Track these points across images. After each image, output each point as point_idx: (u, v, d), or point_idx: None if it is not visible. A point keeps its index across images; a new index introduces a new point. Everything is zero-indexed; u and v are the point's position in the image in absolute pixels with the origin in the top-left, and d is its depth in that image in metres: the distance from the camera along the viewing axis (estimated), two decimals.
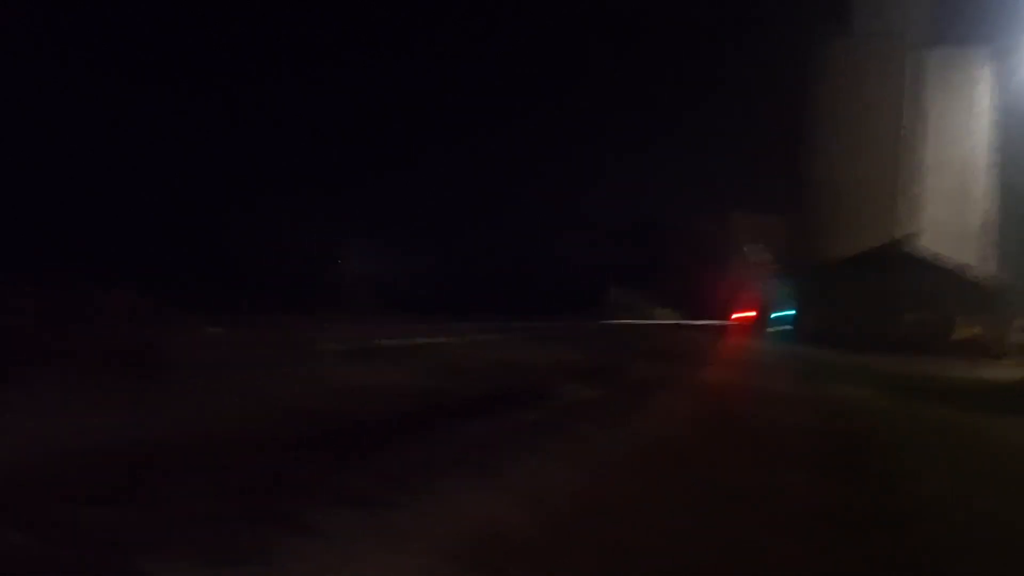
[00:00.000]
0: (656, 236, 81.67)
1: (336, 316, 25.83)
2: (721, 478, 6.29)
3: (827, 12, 53.37)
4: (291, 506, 4.72)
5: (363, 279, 38.19)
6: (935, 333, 33.09)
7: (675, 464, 6.84)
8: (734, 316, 57.63)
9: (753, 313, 48.09)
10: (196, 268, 26.01)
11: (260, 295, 25.95)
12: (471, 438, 7.22)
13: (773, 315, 44.34)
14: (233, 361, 11.98)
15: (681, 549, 4.46)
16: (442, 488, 5.32)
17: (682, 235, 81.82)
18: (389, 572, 3.90)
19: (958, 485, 6.52)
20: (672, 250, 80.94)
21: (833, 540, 4.76)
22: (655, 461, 6.91)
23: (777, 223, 59.20)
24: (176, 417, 7.36)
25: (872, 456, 7.91)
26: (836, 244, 43.09)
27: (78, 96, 27.58)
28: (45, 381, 8.44)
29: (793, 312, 39.26)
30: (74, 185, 27.45)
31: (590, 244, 72.32)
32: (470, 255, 56.47)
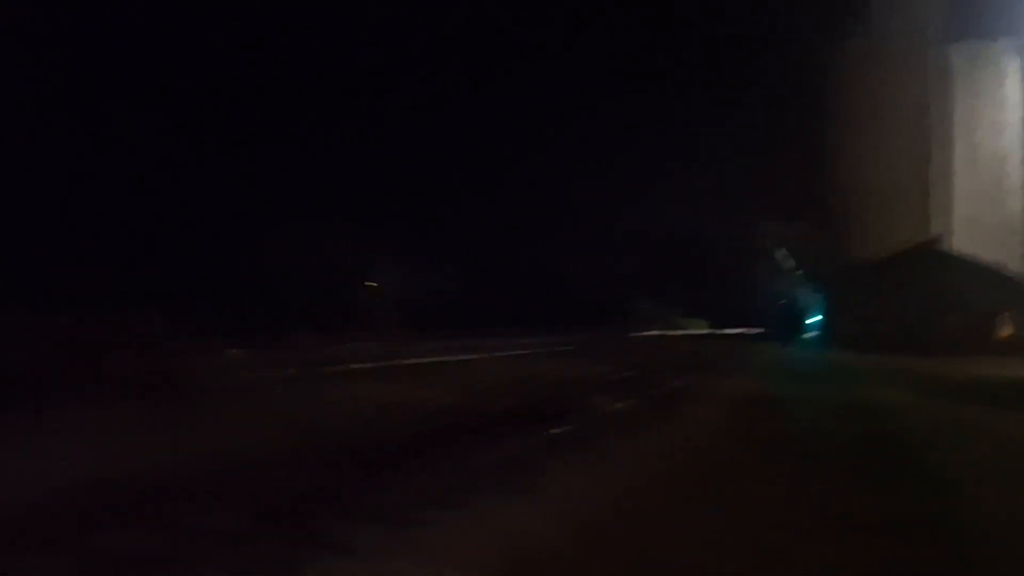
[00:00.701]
0: (684, 246, 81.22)
1: (363, 334, 25.90)
2: (758, 493, 6.06)
3: (846, 15, 52.89)
4: (324, 525, 4.66)
5: (390, 297, 38.29)
6: (974, 333, 32.26)
7: (710, 479, 6.62)
8: (767, 324, 56.94)
9: (786, 320, 47.41)
10: (221, 289, 26.24)
11: (288, 315, 26.08)
12: (501, 454, 7.06)
13: (804, 321, 43.71)
14: (262, 382, 11.97)
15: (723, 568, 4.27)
16: (474, 505, 5.19)
17: (710, 244, 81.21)
18: None
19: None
20: (700, 259, 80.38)
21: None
22: (688, 476, 6.70)
23: (806, 229, 58.51)
24: (209, 440, 7.32)
25: (936, 468, 7.53)
26: (867, 247, 42.41)
27: (107, 125, 28.03)
28: (81, 407, 8.49)
29: (823, 318, 38.59)
30: (98, 212, 27.84)
31: (619, 256, 71.99)
32: (497, 270, 56.46)
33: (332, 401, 10.53)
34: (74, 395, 9.09)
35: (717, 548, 4.51)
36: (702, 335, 57.03)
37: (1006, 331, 32.61)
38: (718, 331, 66.09)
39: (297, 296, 29.69)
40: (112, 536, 4.44)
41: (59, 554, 4.14)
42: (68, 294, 17.39)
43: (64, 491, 5.36)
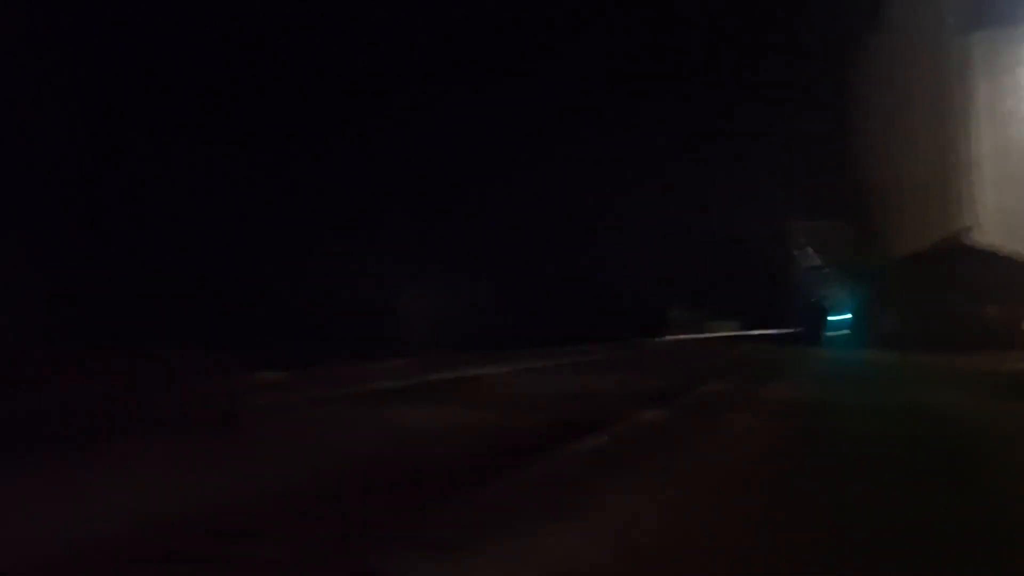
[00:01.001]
0: (715, 247, 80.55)
1: (393, 353, 25.97)
2: (802, 501, 6.00)
3: (865, 8, 52.40)
4: (368, 555, 4.68)
5: (418, 313, 38.38)
6: (1009, 326, 31.70)
7: (752, 490, 6.56)
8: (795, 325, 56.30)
9: (815, 322, 46.86)
10: (251, 315, 26.39)
11: (321, 336, 26.14)
12: (538, 473, 7.06)
13: (837, 320, 43.18)
14: (298, 409, 12.05)
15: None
16: (516, 528, 5.18)
17: (740, 245, 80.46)
18: None
19: None
20: (730, 261, 79.64)
21: None
22: (729, 488, 6.64)
23: (834, 228, 57.83)
24: (254, 473, 7.37)
25: (966, 463, 7.44)
26: (897, 243, 41.83)
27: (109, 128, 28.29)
28: (136, 445, 8.59)
29: (855, 316, 38.10)
30: (125, 239, 28.15)
31: (648, 259, 71.52)
32: (523, 282, 56.40)
33: (367, 423, 10.60)
34: (123, 433, 9.18)
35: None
36: (733, 337, 56.53)
37: None
38: (750, 333, 65.43)
39: (328, 315, 29.79)
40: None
41: None
42: (95, 322, 17.63)
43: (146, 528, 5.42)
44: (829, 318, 43.89)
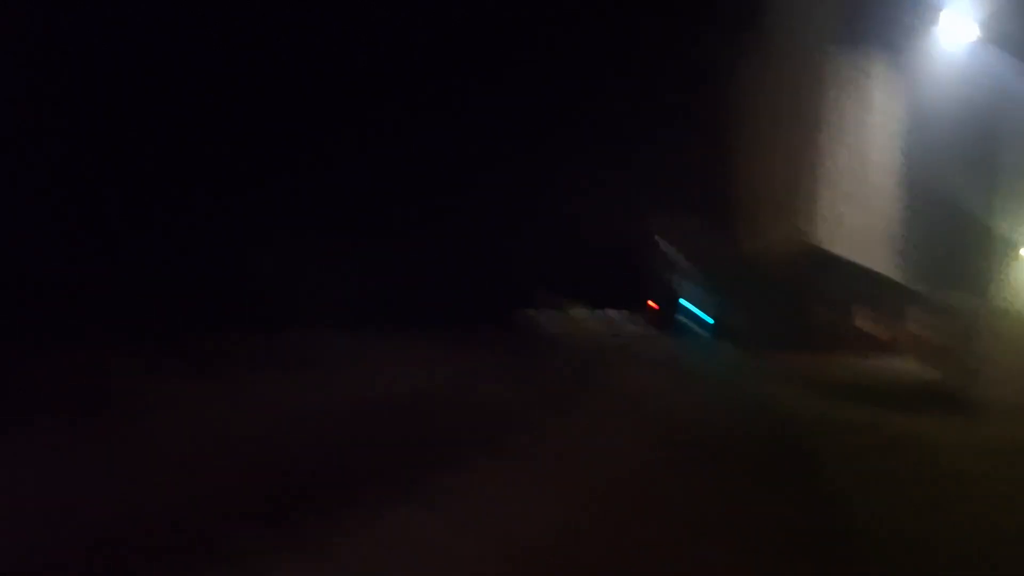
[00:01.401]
0: (575, 238, 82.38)
1: (250, 327, 24.73)
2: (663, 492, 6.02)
3: (735, 13, 54.92)
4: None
5: (266, 287, 36.69)
6: (846, 329, 34.25)
7: (608, 480, 6.54)
8: (653, 315, 58.58)
9: (669, 312, 48.85)
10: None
11: (204, 310, 24.59)
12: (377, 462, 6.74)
13: (690, 315, 45.11)
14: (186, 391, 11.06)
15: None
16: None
17: (607, 237, 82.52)
18: None
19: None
20: (590, 252, 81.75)
21: None
22: (588, 476, 6.60)
23: (697, 225, 60.54)
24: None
25: (798, 460, 7.83)
26: (751, 244, 44.19)
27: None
28: None
29: (706, 313, 39.96)
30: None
31: (517, 247, 72.05)
32: (386, 259, 55.25)
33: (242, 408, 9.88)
34: None
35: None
36: (595, 325, 58.04)
37: (874, 326, 34.79)
38: (611, 321, 67.30)
39: (208, 287, 27.93)
40: None
41: None
42: None
43: None
44: (686, 313, 45.79)
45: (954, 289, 33.71)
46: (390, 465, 6.28)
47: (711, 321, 38.64)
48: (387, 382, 11.98)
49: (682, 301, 50.26)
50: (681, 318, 45.59)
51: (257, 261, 34.86)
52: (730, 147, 51.39)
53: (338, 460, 6.40)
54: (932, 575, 4.45)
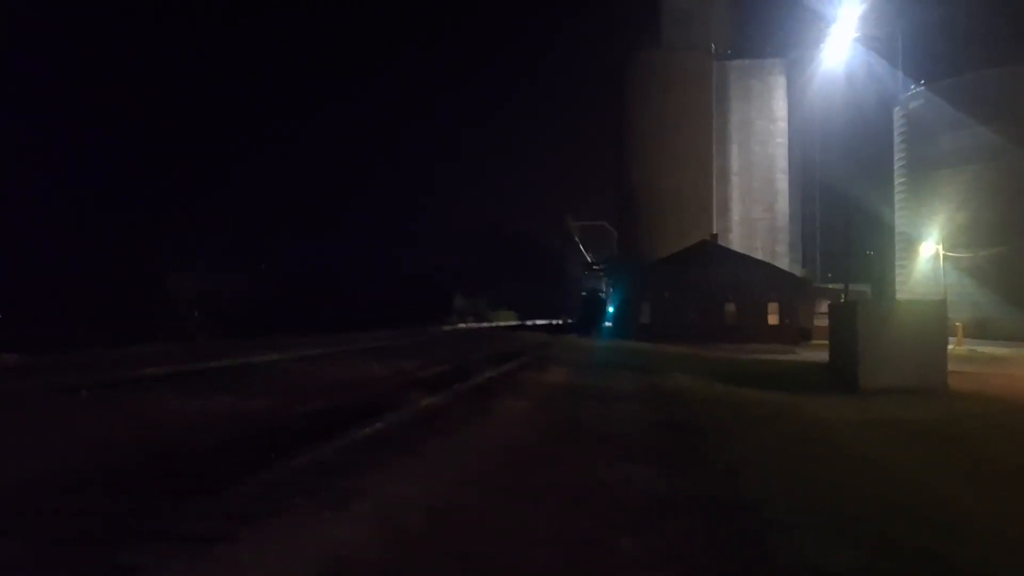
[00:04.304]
0: (495, 240, 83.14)
1: (159, 338, 24.19)
2: (565, 478, 6.44)
3: (638, 26, 56.89)
4: (114, 549, 4.38)
5: (190, 298, 35.95)
6: (749, 321, 35.89)
7: (523, 468, 6.93)
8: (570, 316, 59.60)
9: (589, 312, 49.88)
10: None
11: (76, 317, 23.90)
12: (310, 461, 6.94)
13: (605, 313, 46.23)
14: (49, 392, 10.86)
15: (530, 553, 4.53)
16: (282, 518, 5.07)
17: (520, 239, 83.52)
18: None
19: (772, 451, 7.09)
20: (509, 255, 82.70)
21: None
22: (503, 468, 6.96)
23: (608, 226, 62.13)
24: None
25: (705, 438, 8.48)
26: (660, 244, 45.76)
27: None
28: None
29: (620, 310, 40.95)
30: None
31: (431, 251, 72.04)
32: (304, 267, 54.69)
33: (127, 410, 9.80)
34: None
35: (535, 541, 4.77)
36: (512, 327, 58.60)
37: (775, 319, 36.60)
38: (527, 323, 68.11)
39: (83, 295, 27.14)
40: None
41: None
42: None
43: None
44: (600, 311, 46.90)
45: (850, 282, 35.91)
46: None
47: (621, 318, 39.74)
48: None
49: (601, 302, 51.48)
50: (597, 316, 46.69)
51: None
52: (641, 153, 53.02)
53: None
54: None
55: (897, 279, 44.38)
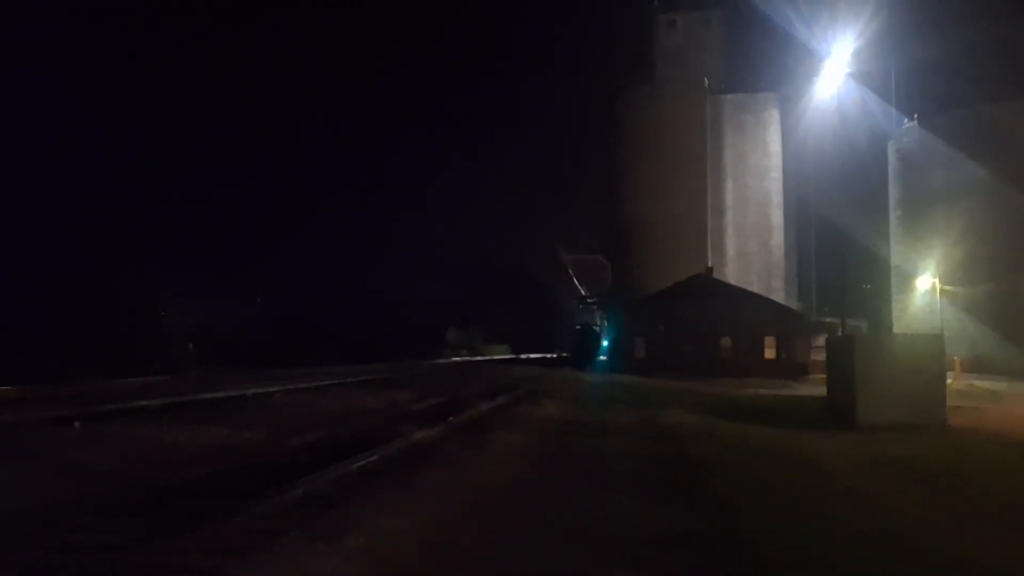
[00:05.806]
0: (492, 275, 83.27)
1: (156, 370, 24.11)
2: (561, 512, 6.34)
3: (632, 61, 57.71)
4: None
5: (184, 331, 35.81)
6: (744, 355, 35.76)
7: (518, 503, 6.82)
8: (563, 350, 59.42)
9: (583, 346, 49.68)
10: None
11: (70, 353, 23.95)
12: (303, 494, 6.85)
13: (599, 347, 46.07)
14: (42, 424, 10.75)
15: None
16: (275, 551, 4.98)
17: (515, 273, 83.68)
18: None
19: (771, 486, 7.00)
20: (502, 288, 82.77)
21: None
22: (498, 502, 6.86)
23: (603, 260, 62.25)
24: None
25: (703, 474, 8.36)
26: (654, 278, 45.72)
27: None
28: None
29: (614, 344, 40.79)
30: None
31: (423, 284, 72.11)
32: (299, 301, 54.66)
33: (123, 442, 9.70)
34: None
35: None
36: (505, 360, 58.41)
37: (772, 353, 36.47)
38: (520, 356, 67.94)
39: (78, 330, 27.10)
40: None
41: None
42: None
43: None
44: (594, 345, 46.76)
45: (846, 316, 35.84)
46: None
47: (616, 352, 39.59)
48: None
49: (594, 335, 51.37)
50: (591, 350, 46.53)
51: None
52: (636, 188, 53.32)
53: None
54: None
55: (893, 314, 44.35)
